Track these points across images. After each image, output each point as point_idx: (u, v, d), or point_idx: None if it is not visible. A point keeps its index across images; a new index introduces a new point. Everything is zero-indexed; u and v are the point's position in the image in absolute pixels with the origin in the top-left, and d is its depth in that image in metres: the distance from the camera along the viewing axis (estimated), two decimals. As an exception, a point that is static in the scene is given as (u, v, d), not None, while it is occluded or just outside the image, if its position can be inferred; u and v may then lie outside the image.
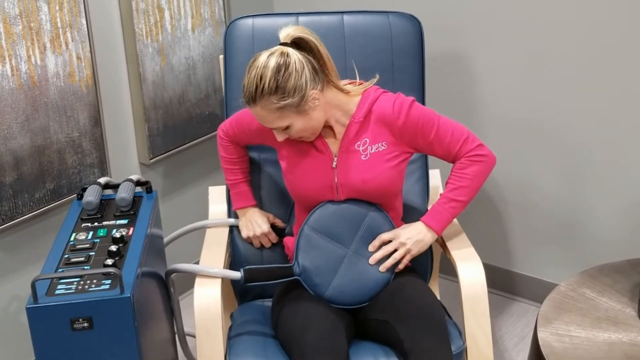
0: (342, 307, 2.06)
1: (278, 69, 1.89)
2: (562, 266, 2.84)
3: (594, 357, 1.99)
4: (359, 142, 2.05)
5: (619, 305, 2.19)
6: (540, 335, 2.08)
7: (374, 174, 2.03)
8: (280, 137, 2.01)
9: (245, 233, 2.29)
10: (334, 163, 2.05)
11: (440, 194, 2.13)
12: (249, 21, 2.37)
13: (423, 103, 2.43)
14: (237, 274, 2.03)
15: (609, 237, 2.71)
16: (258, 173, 2.38)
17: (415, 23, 2.39)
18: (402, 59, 2.37)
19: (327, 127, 2.07)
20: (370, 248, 2.07)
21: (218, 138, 2.30)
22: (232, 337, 2.09)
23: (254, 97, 1.91)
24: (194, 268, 2.09)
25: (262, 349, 2.03)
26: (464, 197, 2.09)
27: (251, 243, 2.32)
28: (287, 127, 1.97)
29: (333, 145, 2.07)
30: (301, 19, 2.38)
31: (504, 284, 3.01)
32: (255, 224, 2.28)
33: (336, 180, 2.05)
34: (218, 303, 1.98)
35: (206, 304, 1.98)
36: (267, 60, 1.90)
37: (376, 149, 2.04)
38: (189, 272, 2.11)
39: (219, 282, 2.03)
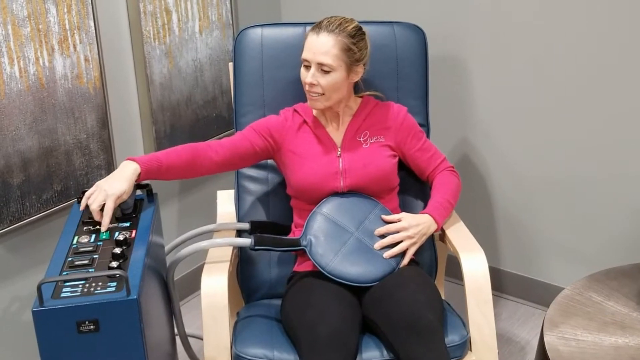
0: (343, 284, 2.10)
1: (360, 28, 2.18)
2: (568, 270, 2.83)
3: (600, 362, 1.98)
4: (360, 135, 2.25)
5: (625, 309, 2.19)
6: (546, 339, 2.08)
7: (374, 159, 2.22)
8: (309, 78, 2.14)
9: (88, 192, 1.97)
10: (339, 152, 2.22)
11: (432, 194, 2.28)
12: (258, 30, 2.43)
13: (426, 109, 2.45)
14: (247, 241, 2.13)
15: (615, 241, 2.70)
16: (266, 191, 2.41)
17: (419, 33, 2.45)
18: (406, 67, 2.44)
19: (332, 115, 2.26)
20: (376, 233, 2.18)
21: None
22: (238, 329, 2.12)
23: (332, 28, 2.13)
24: (200, 245, 2.13)
25: (268, 339, 2.05)
26: (453, 201, 2.29)
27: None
28: (327, 72, 2.13)
29: (335, 136, 2.26)
30: (309, 29, 2.40)
31: (509, 287, 3.01)
32: (109, 184, 1.95)
33: (341, 167, 2.20)
34: (225, 290, 2.01)
35: (213, 291, 2.01)
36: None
37: (375, 140, 2.26)
38: (196, 251, 2.13)
39: (226, 270, 2.08)
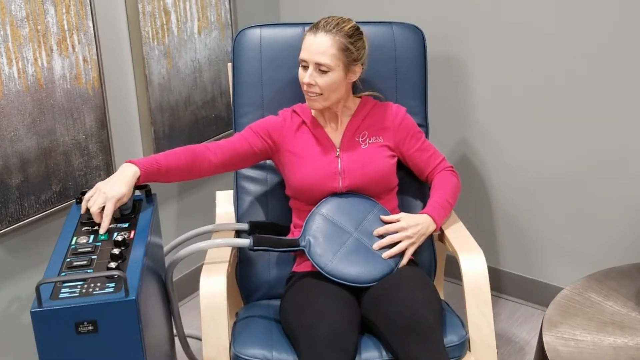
0: (342, 284, 2.09)
1: (358, 27, 2.19)
2: (567, 270, 2.83)
3: (600, 362, 1.98)
4: (358, 135, 2.25)
5: (624, 309, 2.19)
6: (545, 339, 2.08)
7: (372, 159, 2.22)
8: (307, 78, 2.14)
9: (89, 194, 1.98)
10: (337, 152, 2.22)
11: (431, 194, 2.28)
12: (257, 31, 2.44)
13: (425, 109, 2.45)
14: (246, 241, 2.13)
15: (615, 241, 2.70)
16: (265, 193, 2.42)
17: (418, 33, 2.45)
18: (405, 67, 2.44)
19: (330, 115, 2.26)
20: (375, 233, 2.18)
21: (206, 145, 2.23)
22: (237, 329, 2.12)
23: (330, 28, 2.13)
24: (199, 246, 2.13)
25: (267, 339, 2.05)
26: (452, 201, 2.29)
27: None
28: (325, 72, 2.13)
29: (334, 136, 2.26)
30: (307, 29, 2.40)
31: (509, 287, 3.01)
32: (109, 187, 1.96)
33: (339, 167, 2.20)
34: (224, 291, 2.02)
35: (212, 292, 2.02)
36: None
37: (374, 140, 2.26)
38: (194, 252, 2.13)
39: (225, 270, 2.08)
